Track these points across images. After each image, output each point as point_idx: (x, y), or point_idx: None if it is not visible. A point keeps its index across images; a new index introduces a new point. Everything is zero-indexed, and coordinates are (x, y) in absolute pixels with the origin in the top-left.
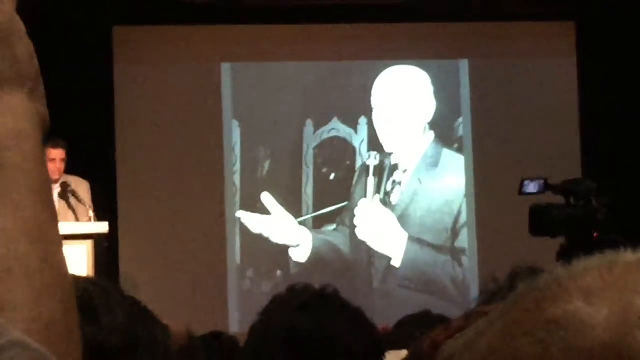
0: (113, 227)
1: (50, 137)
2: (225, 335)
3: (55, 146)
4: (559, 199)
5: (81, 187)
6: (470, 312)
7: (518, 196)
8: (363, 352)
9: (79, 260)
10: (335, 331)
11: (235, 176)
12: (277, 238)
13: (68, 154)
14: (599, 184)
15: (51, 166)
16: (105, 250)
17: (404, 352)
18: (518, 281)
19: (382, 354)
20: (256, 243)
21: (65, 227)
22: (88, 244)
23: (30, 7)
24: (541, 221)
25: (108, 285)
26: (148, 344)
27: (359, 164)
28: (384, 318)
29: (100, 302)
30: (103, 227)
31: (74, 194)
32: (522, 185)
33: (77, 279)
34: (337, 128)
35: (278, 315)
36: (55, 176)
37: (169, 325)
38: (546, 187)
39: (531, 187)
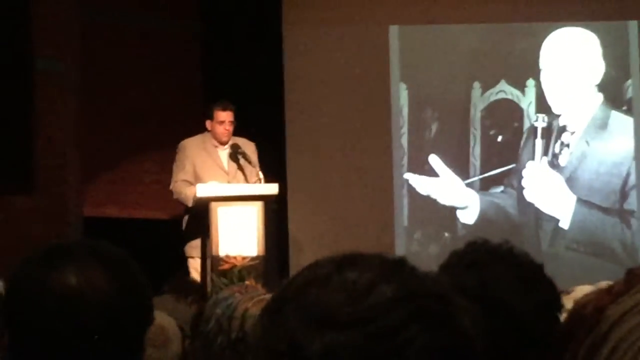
0: (282, 188)
1: (219, 99)
2: None
3: (223, 109)
4: None
5: (249, 148)
6: (631, 276)
7: None
8: (531, 312)
9: (249, 222)
10: (499, 291)
11: (403, 138)
12: (444, 200)
13: (238, 116)
14: None
15: (220, 128)
16: (275, 211)
17: (587, 288)
18: None
19: (557, 313)
20: (424, 205)
21: (237, 188)
22: (258, 206)
23: None
24: None
25: None
26: None
27: (526, 125)
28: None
29: None
30: (273, 189)
31: (244, 155)
32: None
33: None
34: (504, 90)
35: (448, 273)
36: (224, 138)
37: None
38: None
39: None
